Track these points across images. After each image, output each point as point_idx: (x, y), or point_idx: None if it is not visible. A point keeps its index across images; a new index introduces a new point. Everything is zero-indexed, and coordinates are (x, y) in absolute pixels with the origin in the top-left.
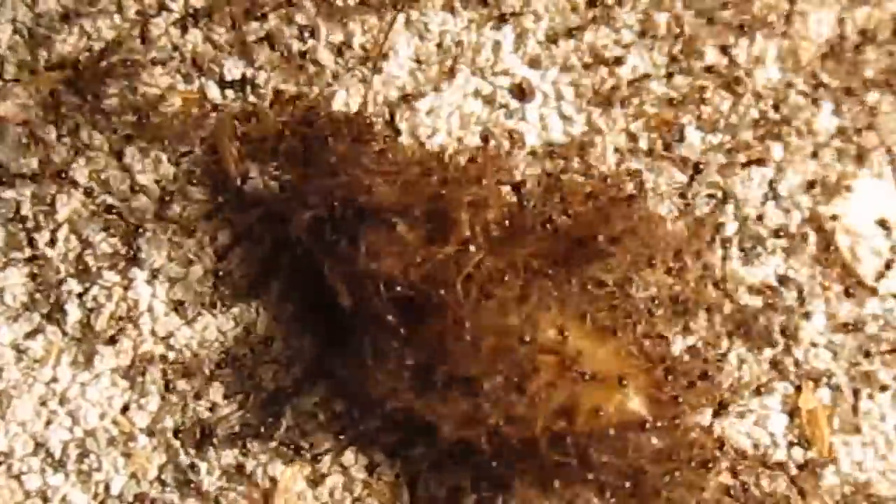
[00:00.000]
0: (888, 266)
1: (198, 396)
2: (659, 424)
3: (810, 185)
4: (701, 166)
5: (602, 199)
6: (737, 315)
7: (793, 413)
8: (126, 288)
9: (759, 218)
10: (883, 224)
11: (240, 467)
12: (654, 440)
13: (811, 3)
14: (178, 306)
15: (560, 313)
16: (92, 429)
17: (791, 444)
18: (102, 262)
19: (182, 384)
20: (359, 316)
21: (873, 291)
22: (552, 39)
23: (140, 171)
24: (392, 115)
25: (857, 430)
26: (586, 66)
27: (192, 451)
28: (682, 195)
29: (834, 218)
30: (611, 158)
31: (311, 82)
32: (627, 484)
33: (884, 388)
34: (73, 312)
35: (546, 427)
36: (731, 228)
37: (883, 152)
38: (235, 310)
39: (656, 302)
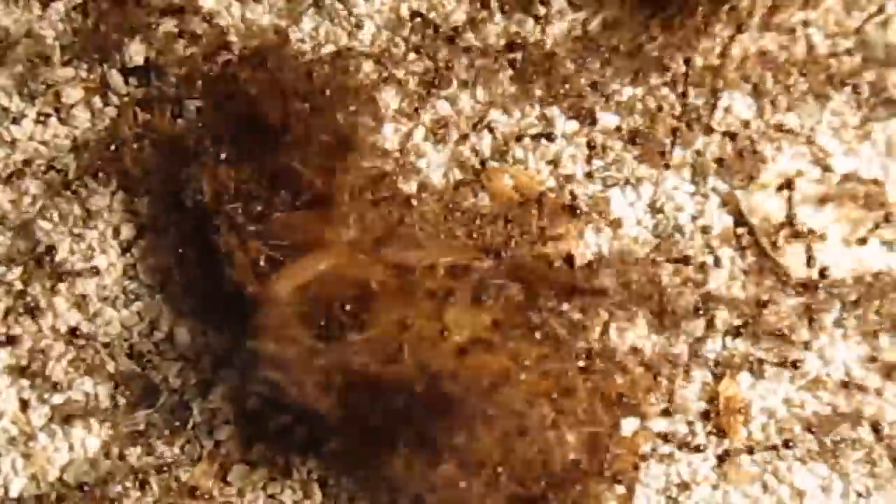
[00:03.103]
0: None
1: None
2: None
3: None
4: None
5: None
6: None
7: (711, 401)
8: (25, 283)
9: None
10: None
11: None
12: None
13: None
14: (79, 301)
15: None
16: None
17: (709, 434)
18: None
19: (82, 382)
20: None
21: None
22: None
23: None
24: None
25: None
26: None
27: None
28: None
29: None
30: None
31: None
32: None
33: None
34: None
35: None
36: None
37: None
38: (139, 304)
39: None
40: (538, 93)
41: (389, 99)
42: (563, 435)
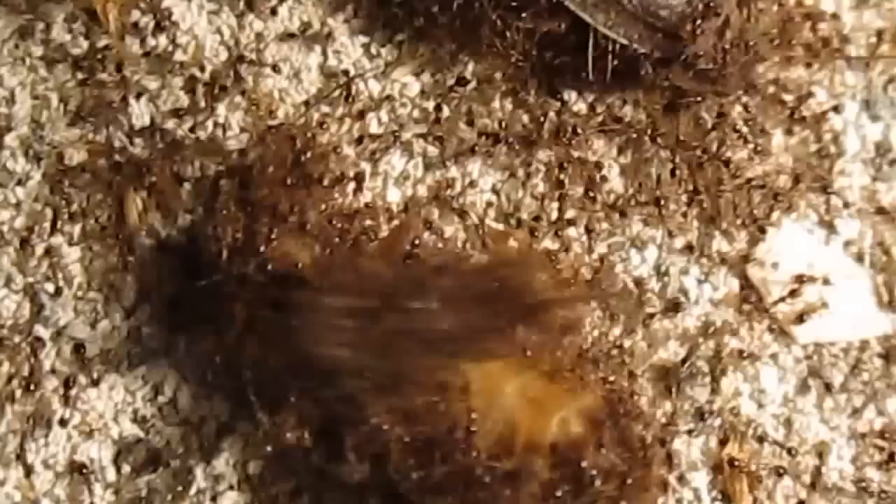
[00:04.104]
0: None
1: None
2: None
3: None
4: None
5: None
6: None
7: (716, 468)
8: (31, 346)
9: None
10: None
11: None
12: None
13: None
14: (84, 365)
15: None
16: None
17: (714, 500)
18: (4, 320)
19: (87, 447)
20: None
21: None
22: None
23: None
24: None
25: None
26: None
27: None
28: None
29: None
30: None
31: None
32: None
33: None
34: None
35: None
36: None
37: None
38: (143, 368)
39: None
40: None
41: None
42: None
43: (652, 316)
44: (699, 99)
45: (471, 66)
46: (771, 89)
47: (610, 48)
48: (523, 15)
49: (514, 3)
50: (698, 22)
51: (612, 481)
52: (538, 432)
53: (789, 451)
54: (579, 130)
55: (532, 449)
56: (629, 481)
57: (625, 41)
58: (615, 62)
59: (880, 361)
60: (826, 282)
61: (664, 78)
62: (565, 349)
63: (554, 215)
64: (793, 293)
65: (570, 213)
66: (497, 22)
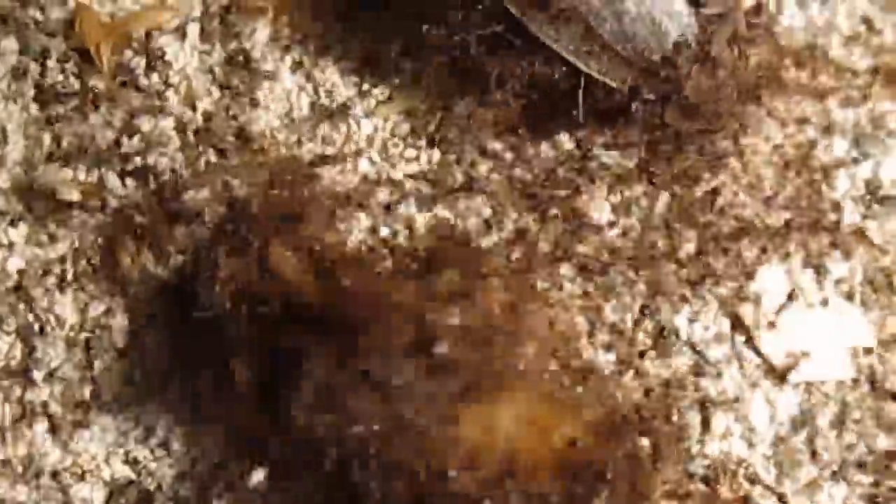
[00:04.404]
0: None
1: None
2: None
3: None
4: None
5: None
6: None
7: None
8: (23, 389)
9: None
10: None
11: None
12: None
13: None
14: (77, 407)
15: None
16: None
17: None
18: None
19: (79, 489)
20: None
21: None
22: None
23: None
24: None
25: None
26: None
27: None
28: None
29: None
30: None
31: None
32: None
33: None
34: None
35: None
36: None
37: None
38: (135, 410)
39: None
40: None
41: None
42: None
43: (643, 354)
44: (691, 137)
45: (462, 106)
46: (762, 127)
47: (603, 90)
48: (518, 60)
49: (507, 47)
50: (690, 63)
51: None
52: (541, 452)
53: (780, 497)
54: (571, 170)
55: (535, 469)
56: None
57: (617, 85)
58: (607, 103)
59: (871, 399)
60: (816, 322)
61: (657, 118)
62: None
63: (546, 250)
64: (783, 332)
65: (560, 252)
66: (490, 65)
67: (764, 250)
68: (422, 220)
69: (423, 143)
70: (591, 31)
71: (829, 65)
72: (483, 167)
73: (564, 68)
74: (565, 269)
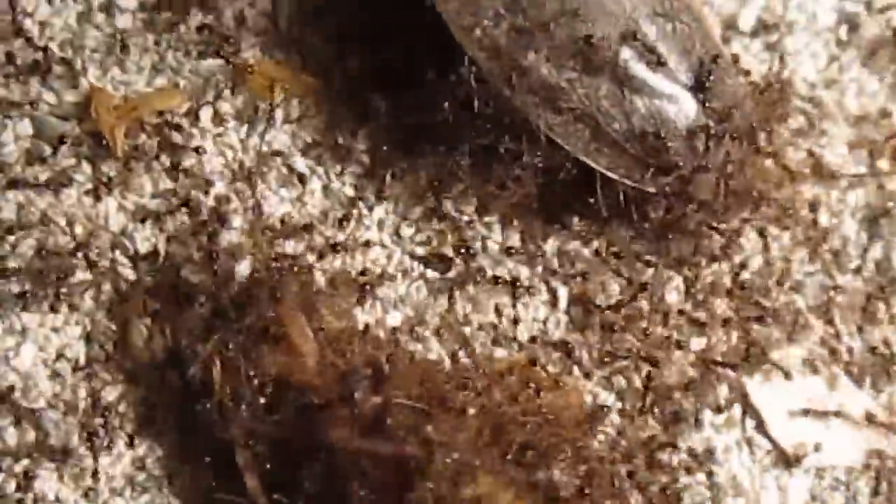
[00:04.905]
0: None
1: None
2: None
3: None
4: None
5: None
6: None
7: None
8: (31, 474)
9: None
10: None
11: None
12: None
13: None
14: (87, 492)
15: None
16: None
17: None
18: (7, 447)
19: None
20: None
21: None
22: None
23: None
24: None
25: None
26: None
27: None
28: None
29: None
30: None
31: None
32: None
33: None
34: None
35: None
36: None
37: None
38: (146, 497)
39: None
40: None
41: None
42: None
43: (652, 438)
44: (702, 227)
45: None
46: (771, 211)
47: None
48: (527, 155)
49: (518, 144)
50: (701, 159)
51: None
52: None
53: None
54: (580, 259)
55: None
56: None
57: (627, 181)
58: (616, 195)
59: (885, 484)
60: (827, 407)
61: (666, 210)
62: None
63: (556, 336)
64: (794, 416)
65: (571, 337)
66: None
67: (772, 331)
68: (432, 305)
69: (433, 228)
70: (599, 129)
71: (837, 144)
72: (496, 253)
73: (575, 162)
74: (578, 354)
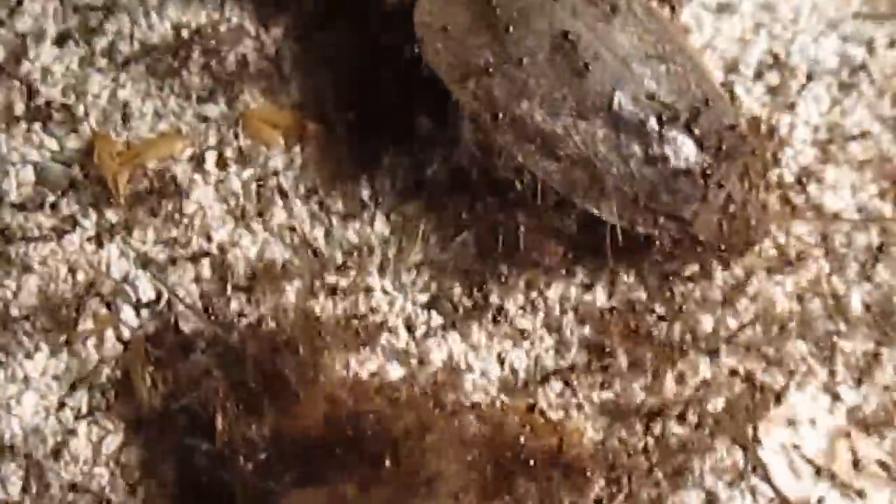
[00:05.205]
0: None
1: None
2: None
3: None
4: None
5: None
6: None
7: None
8: None
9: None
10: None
11: None
12: None
13: None
14: None
15: None
16: None
17: None
18: (9, 498)
19: None
20: None
21: None
22: None
23: None
24: None
25: None
26: None
27: None
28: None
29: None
30: None
31: None
32: None
33: None
34: None
35: None
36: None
37: None
38: None
39: None
40: None
41: None
42: None
43: (657, 484)
44: (706, 270)
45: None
46: (772, 252)
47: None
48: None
49: (519, 197)
50: (704, 203)
51: None
52: None
53: None
54: (584, 305)
55: None
56: None
57: (628, 226)
58: (617, 241)
59: None
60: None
61: (669, 254)
62: None
63: (558, 388)
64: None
65: (577, 383)
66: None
67: (779, 380)
68: (435, 351)
69: (429, 274)
70: (598, 174)
71: (838, 189)
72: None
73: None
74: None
